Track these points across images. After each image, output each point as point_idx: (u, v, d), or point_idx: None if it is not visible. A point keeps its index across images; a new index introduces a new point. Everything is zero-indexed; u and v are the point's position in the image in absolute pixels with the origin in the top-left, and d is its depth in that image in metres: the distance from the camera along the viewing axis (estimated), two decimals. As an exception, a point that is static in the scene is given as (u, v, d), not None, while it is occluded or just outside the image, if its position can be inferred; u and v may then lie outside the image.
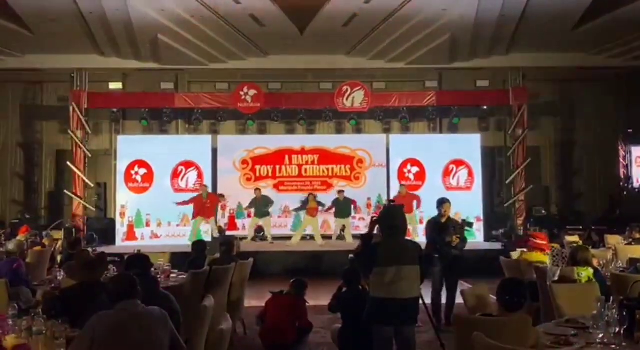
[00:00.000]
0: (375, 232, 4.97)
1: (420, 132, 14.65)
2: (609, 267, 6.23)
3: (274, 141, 14.22)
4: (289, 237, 13.11)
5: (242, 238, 12.29)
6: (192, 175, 13.80)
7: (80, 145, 13.35)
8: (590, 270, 5.19)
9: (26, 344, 3.38)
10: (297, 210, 13.35)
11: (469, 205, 13.00)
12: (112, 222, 13.73)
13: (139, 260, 4.81)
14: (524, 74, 13.63)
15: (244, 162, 13.98)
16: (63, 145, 14.26)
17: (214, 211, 12.83)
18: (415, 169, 13.87)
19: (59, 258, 9.27)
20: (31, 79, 14.49)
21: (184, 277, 6.15)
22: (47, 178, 14.73)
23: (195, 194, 13.04)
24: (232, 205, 13.72)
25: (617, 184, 14.42)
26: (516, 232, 13.09)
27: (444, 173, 13.82)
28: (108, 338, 3.22)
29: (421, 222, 12.11)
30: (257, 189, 13.23)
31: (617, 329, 3.34)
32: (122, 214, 13.52)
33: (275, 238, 13.01)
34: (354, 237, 12.27)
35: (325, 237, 12.98)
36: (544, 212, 13.97)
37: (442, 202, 7.22)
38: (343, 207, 12.96)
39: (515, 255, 7.75)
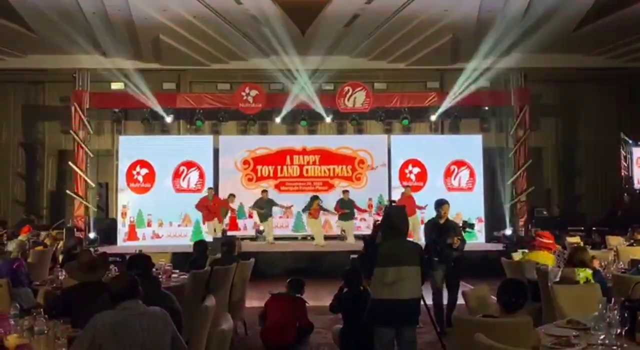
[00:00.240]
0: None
1: (421, 133, 14.65)
2: (610, 268, 6.23)
3: (275, 141, 14.23)
4: (289, 238, 13.09)
5: (244, 238, 12.30)
6: (194, 175, 13.81)
7: (82, 145, 13.35)
8: (589, 271, 5.18)
9: (28, 344, 3.38)
10: (303, 210, 13.25)
11: (470, 205, 13.01)
12: (114, 222, 13.75)
13: (140, 260, 4.81)
14: (525, 75, 13.63)
15: (246, 162, 13.99)
16: (65, 145, 14.26)
17: (219, 213, 12.83)
18: (416, 170, 13.87)
19: (60, 258, 9.29)
20: (33, 79, 14.51)
21: (185, 277, 6.14)
22: (48, 178, 14.74)
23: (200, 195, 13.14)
24: (233, 206, 13.71)
25: (619, 185, 14.39)
26: (517, 233, 13.09)
27: (445, 174, 13.83)
28: (109, 338, 3.22)
29: (422, 223, 12.09)
30: (264, 191, 13.22)
31: (619, 330, 3.33)
32: (124, 214, 13.55)
33: (276, 238, 13.00)
34: (357, 237, 12.26)
35: (327, 238, 12.95)
36: (545, 213, 13.95)
37: (441, 204, 7.15)
38: (348, 207, 12.91)
39: (516, 256, 7.73)
